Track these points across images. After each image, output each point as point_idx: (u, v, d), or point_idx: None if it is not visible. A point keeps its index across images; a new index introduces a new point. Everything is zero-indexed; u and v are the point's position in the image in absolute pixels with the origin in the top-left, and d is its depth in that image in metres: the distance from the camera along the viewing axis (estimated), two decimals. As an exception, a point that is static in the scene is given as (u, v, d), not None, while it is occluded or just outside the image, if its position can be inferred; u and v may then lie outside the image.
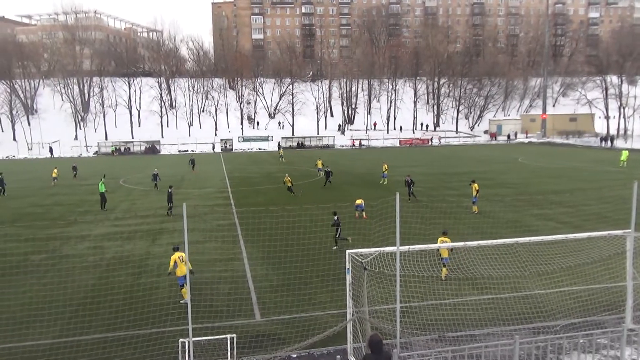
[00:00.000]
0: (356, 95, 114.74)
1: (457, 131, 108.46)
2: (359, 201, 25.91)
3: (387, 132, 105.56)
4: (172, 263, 14.70)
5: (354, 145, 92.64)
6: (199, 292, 14.44)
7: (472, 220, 24.09)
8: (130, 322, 12.81)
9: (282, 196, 33.96)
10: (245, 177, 45.90)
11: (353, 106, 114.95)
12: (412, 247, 11.03)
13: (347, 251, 10.84)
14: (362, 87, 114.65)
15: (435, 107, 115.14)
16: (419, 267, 12.59)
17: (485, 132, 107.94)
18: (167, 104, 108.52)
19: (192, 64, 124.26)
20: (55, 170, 44.41)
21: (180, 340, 10.36)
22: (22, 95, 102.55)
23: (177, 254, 14.73)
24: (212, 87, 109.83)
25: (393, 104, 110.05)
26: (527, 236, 12.60)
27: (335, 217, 20.15)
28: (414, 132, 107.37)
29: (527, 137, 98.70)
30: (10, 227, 25.90)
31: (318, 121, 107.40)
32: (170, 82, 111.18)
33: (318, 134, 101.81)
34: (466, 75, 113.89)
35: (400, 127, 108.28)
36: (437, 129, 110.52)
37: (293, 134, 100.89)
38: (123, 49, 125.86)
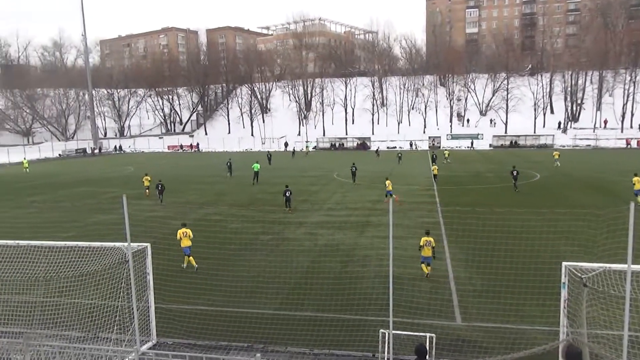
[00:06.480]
0: (583, 89, 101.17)
1: None
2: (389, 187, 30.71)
3: (622, 132, 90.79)
4: (178, 235, 17.99)
5: (629, 144, 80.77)
6: (400, 287, 14.75)
7: None
8: (337, 306, 13.87)
9: (490, 197, 32.29)
10: (452, 176, 44.84)
11: (579, 102, 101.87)
12: (648, 267, 9.38)
13: (564, 263, 9.79)
14: (590, 79, 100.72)
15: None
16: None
17: None
18: (378, 102, 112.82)
19: (404, 62, 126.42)
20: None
21: (381, 330, 10.76)
22: (259, 97, 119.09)
23: (182, 229, 18.03)
24: (423, 84, 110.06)
25: (630, 98, 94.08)
26: None
27: None
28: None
29: None
30: (246, 209, 30.45)
31: (535, 118, 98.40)
32: (382, 80, 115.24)
33: (535, 132, 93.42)
34: None
35: (639, 126, 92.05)
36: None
37: (506, 132, 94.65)
38: (342, 51, 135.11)
